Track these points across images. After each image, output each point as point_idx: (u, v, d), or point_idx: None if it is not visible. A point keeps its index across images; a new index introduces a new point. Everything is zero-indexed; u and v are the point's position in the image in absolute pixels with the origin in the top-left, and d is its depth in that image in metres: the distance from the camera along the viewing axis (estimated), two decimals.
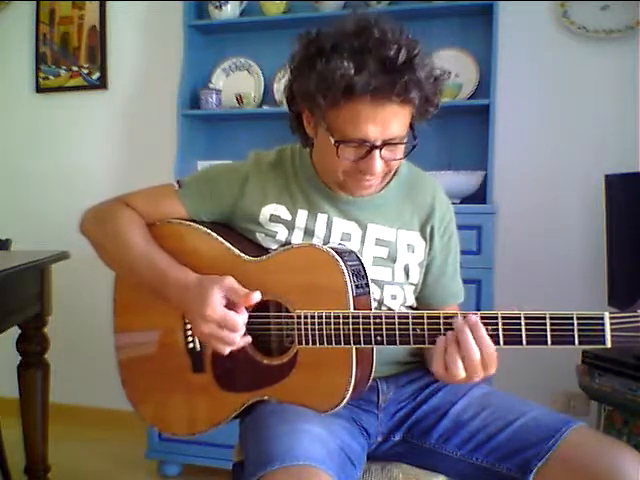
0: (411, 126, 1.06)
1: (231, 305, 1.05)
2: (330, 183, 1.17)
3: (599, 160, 2.16)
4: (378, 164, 1.03)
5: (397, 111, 1.00)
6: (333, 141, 1.02)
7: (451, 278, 1.25)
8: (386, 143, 1.02)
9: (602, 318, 0.91)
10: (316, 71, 0.99)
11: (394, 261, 1.18)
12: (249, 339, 1.07)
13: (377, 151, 1.02)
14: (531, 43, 2.29)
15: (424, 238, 1.21)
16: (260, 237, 1.19)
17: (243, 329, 1.05)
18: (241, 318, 1.04)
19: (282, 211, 1.18)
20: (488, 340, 0.95)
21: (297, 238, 1.17)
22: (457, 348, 0.95)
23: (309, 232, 1.17)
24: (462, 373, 0.96)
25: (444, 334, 0.98)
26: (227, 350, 1.06)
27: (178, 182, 1.24)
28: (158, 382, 1.21)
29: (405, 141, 1.05)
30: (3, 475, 1.98)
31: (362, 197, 1.18)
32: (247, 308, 1.06)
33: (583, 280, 2.24)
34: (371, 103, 0.98)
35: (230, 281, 1.06)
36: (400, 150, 1.06)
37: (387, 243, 1.18)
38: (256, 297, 1.05)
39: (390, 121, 1.00)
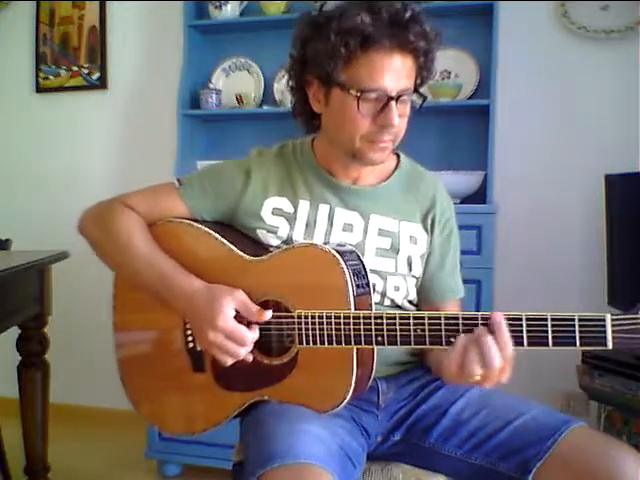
0: (416, 89, 1.12)
1: (239, 318, 1.05)
2: (339, 160, 1.17)
3: (599, 160, 2.16)
4: (396, 115, 1.07)
5: (407, 62, 1.07)
6: (354, 93, 1.06)
7: (449, 274, 1.24)
8: (400, 95, 1.07)
9: (604, 320, 0.91)
10: (332, 28, 1.04)
11: (397, 252, 1.19)
12: (250, 356, 1.07)
13: (394, 102, 1.06)
14: (531, 43, 2.29)
15: (426, 230, 1.21)
16: (261, 234, 1.18)
17: (251, 346, 1.05)
18: (251, 335, 1.05)
19: (284, 203, 1.18)
20: (509, 343, 0.92)
21: (299, 231, 1.17)
22: (478, 350, 0.93)
23: (310, 225, 1.17)
24: (478, 375, 0.93)
25: (462, 332, 0.95)
26: (230, 362, 1.06)
27: (179, 180, 1.24)
28: (158, 381, 1.21)
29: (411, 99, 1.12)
30: (3, 475, 1.97)
31: (364, 187, 1.19)
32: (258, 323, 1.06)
33: (583, 280, 2.24)
34: (386, 52, 1.04)
35: (242, 294, 1.07)
36: (408, 106, 1.11)
37: (390, 234, 1.19)
38: (268, 315, 1.06)
39: (401, 71, 1.06)
